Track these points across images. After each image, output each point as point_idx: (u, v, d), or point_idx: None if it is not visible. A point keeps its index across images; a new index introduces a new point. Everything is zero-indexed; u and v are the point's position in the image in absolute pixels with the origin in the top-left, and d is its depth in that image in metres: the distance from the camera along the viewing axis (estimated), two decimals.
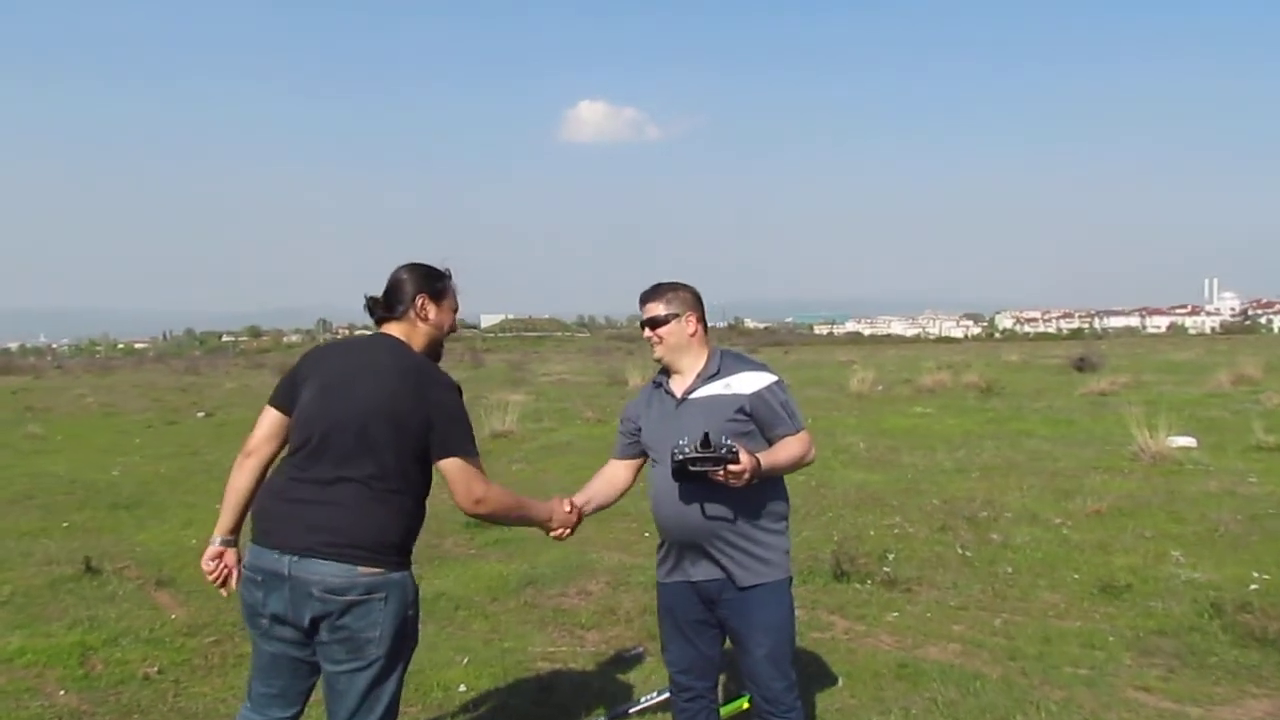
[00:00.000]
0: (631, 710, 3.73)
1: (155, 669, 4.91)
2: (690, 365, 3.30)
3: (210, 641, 5.38)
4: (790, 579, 3.29)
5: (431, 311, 3.02)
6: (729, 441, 2.94)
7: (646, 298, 3.34)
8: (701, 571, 3.24)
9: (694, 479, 2.98)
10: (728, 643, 3.38)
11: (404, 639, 2.83)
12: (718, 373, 3.26)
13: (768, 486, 3.17)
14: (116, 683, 4.75)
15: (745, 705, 3.85)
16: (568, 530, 3.33)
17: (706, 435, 2.88)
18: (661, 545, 3.37)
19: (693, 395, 3.25)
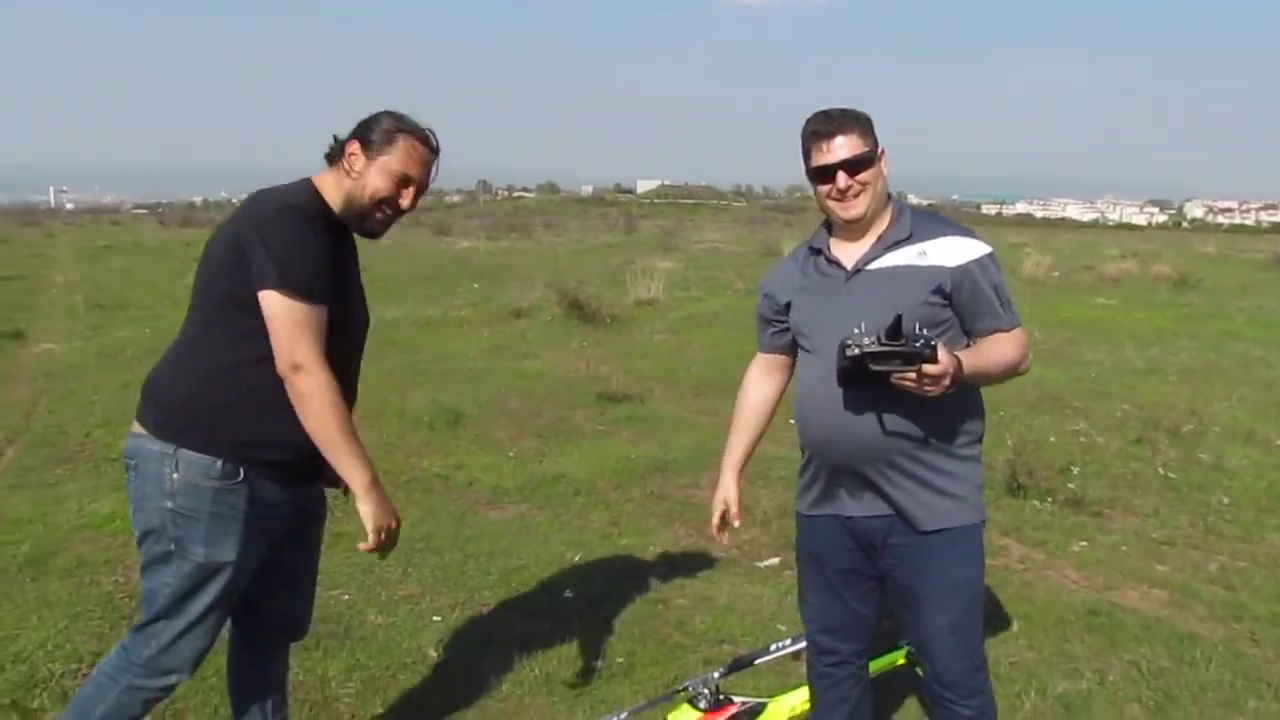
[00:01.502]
0: (759, 660, 3.05)
1: None
2: (873, 226, 2.41)
3: None
4: (983, 523, 2.46)
5: (359, 164, 2.29)
6: (925, 333, 2.11)
7: (833, 128, 2.33)
8: (864, 507, 2.42)
9: (868, 382, 2.15)
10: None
11: (161, 533, 2.23)
12: (909, 236, 2.36)
13: (962, 400, 2.31)
14: None
15: (900, 660, 3.13)
16: (379, 541, 2.34)
17: (899, 320, 2.06)
18: (807, 466, 2.55)
19: (871, 266, 2.36)
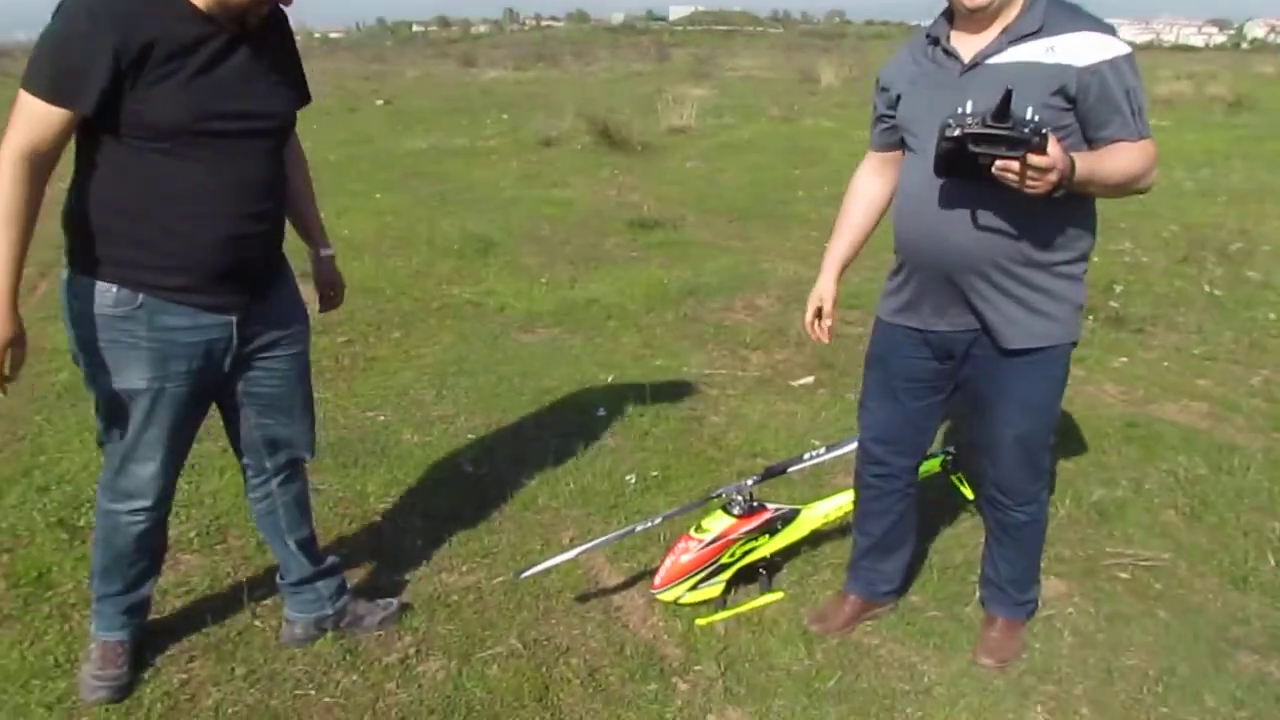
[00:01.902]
0: (791, 469, 3.06)
1: None
2: (999, 16, 2.18)
3: (342, 341, 5.00)
4: (1073, 345, 2.36)
5: None
6: (1037, 119, 1.94)
7: None
8: (948, 321, 2.35)
9: (970, 173, 2.01)
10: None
11: (77, 360, 2.21)
12: (1039, 30, 2.14)
13: (1070, 210, 2.16)
14: None
15: (936, 469, 3.13)
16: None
17: (1008, 97, 1.90)
18: (898, 272, 2.45)
19: (991, 60, 2.17)
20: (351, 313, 5.40)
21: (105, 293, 2.08)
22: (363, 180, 9.95)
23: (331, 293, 2.68)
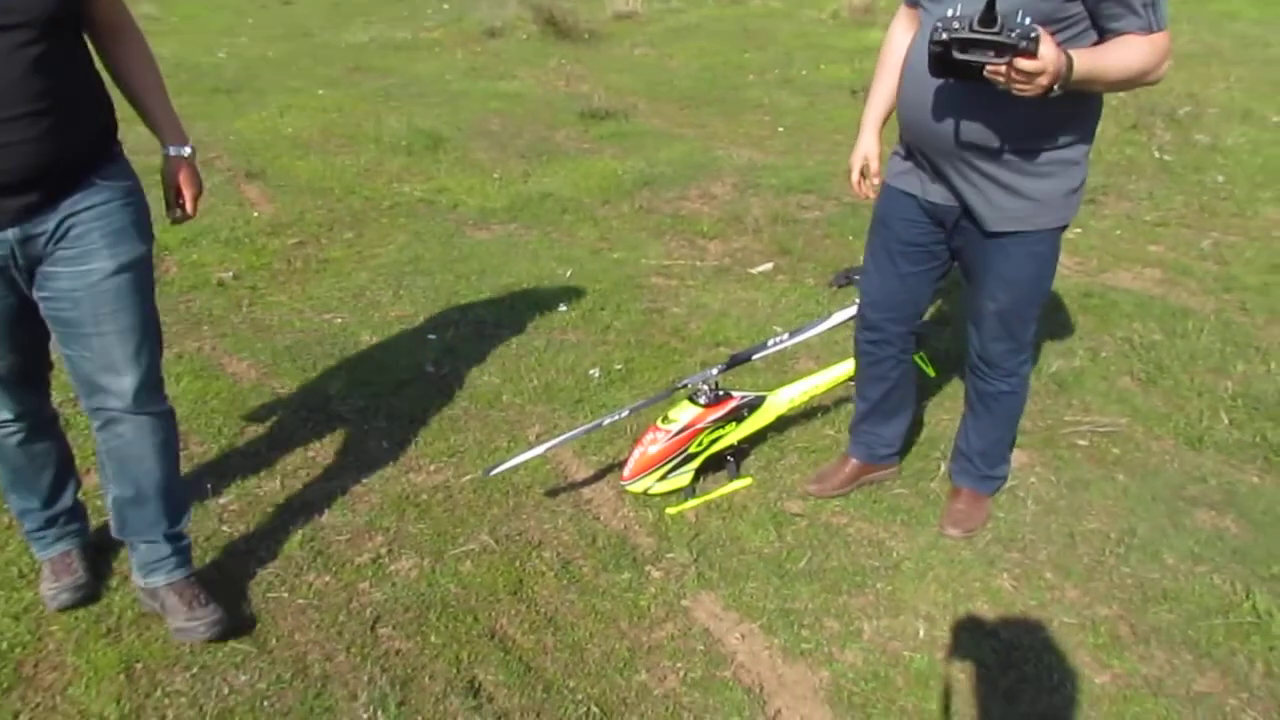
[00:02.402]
0: (755, 356, 3.05)
1: (231, 274, 4.45)
2: None
3: (294, 243, 4.88)
4: (1064, 228, 2.36)
5: None
6: (1027, 22, 1.89)
7: None
8: (938, 193, 2.36)
9: (962, 75, 1.99)
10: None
11: None
12: None
13: (1070, 103, 2.09)
14: (189, 288, 4.32)
15: (931, 372, 3.17)
16: None
17: (992, 4, 1.87)
18: (901, 137, 2.45)
19: None
20: (301, 213, 5.28)
21: None
22: (304, 77, 9.59)
23: (180, 199, 2.31)
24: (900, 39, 2.50)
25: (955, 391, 3.23)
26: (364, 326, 3.96)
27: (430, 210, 5.44)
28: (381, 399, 3.41)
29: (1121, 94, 7.44)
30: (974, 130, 2.18)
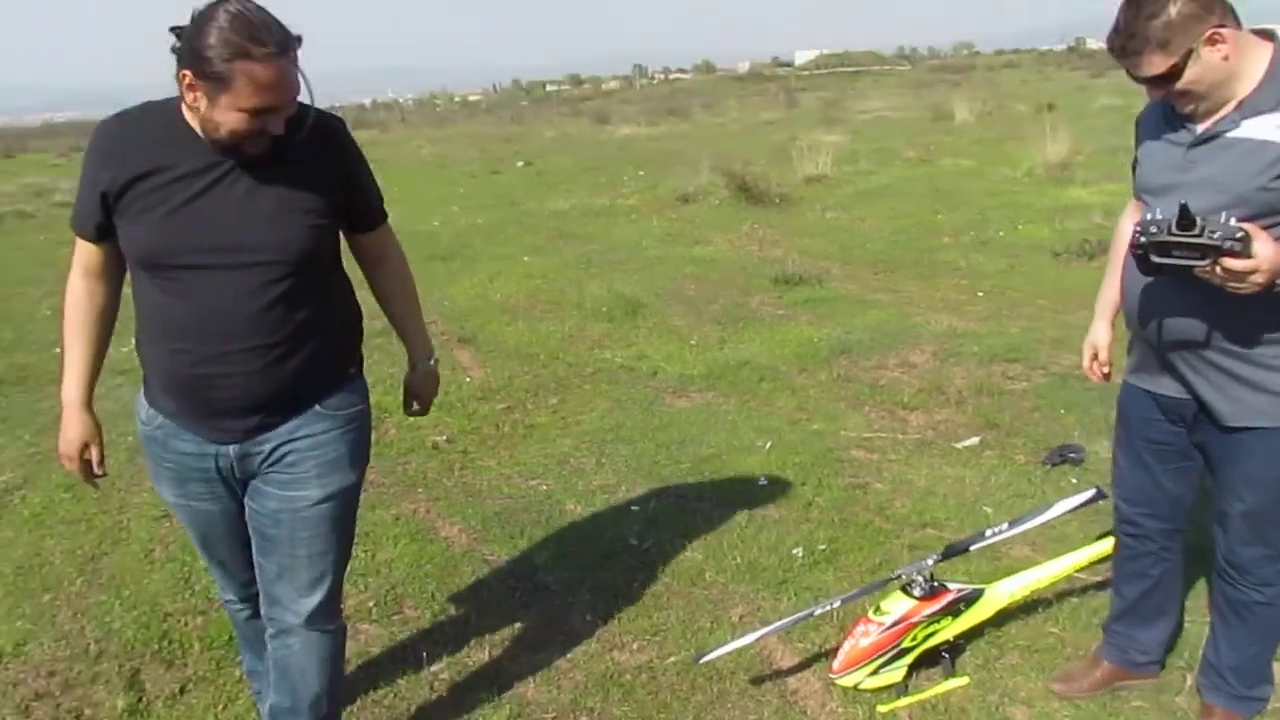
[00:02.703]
0: (974, 546, 2.92)
1: (445, 437, 4.69)
2: (1239, 85, 2.04)
3: (502, 408, 5.11)
4: None
5: (201, 103, 1.84)
6: (1231, 222, 1.85)
7: (1126, 51, 2.01)
8: (1171, 387, 2.29)
9: (1171, 274, 1.96)
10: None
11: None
12: (1277, 105, 1.99)
13: None
14: (406, 451, 4.57)
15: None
16: (73, 463, 2.19)
17: (1185, 208, 1.85)
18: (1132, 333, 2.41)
19: (1220, 136, 2.04)
20: (509, 378, 5.53)
21: (141, 409, 2.16)
22: (511, 243, 10.23)
23: (416, 405, 2.51)
24: (1127, 229, 2.45)
25: (1201, 590, 3.00)
26: (569, 495, 4.06)
27: (630, 376, 5.59)
28: (586, 571, 3.45)
29: None
30: (1196, 326, 2.11)
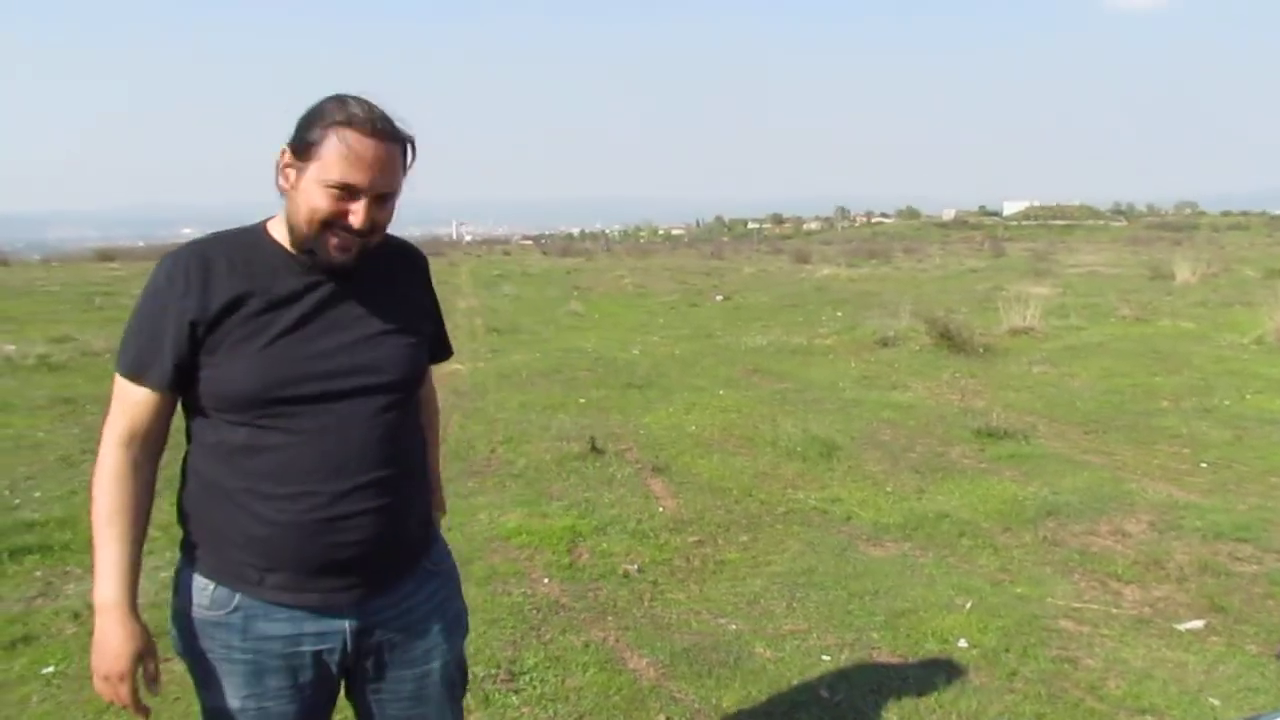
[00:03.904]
0: None
1: (636, 566, 4.72)
2: None
3: (693, 541, 5.11)
4: None
5: (292, 175, 1.71)
6: None
7: None
8: None
9: None
10: None
11: (182, 655, 1.84)
12: None
13: None
14: (597, 576, 4.62)
15: None
16: (124, 683, 1.71)
17: None
18: None
19: None
20: (701, 511, 5.55)
21: (202, 591, 1.77)
22: (706, 376, 10.37)
23: None
24: None
25: None
26: (758, 636, 3.99)
27: (823, 520, 5.50)
28: (775, 718, 3.36)
29: None
30: None
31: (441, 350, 2.08)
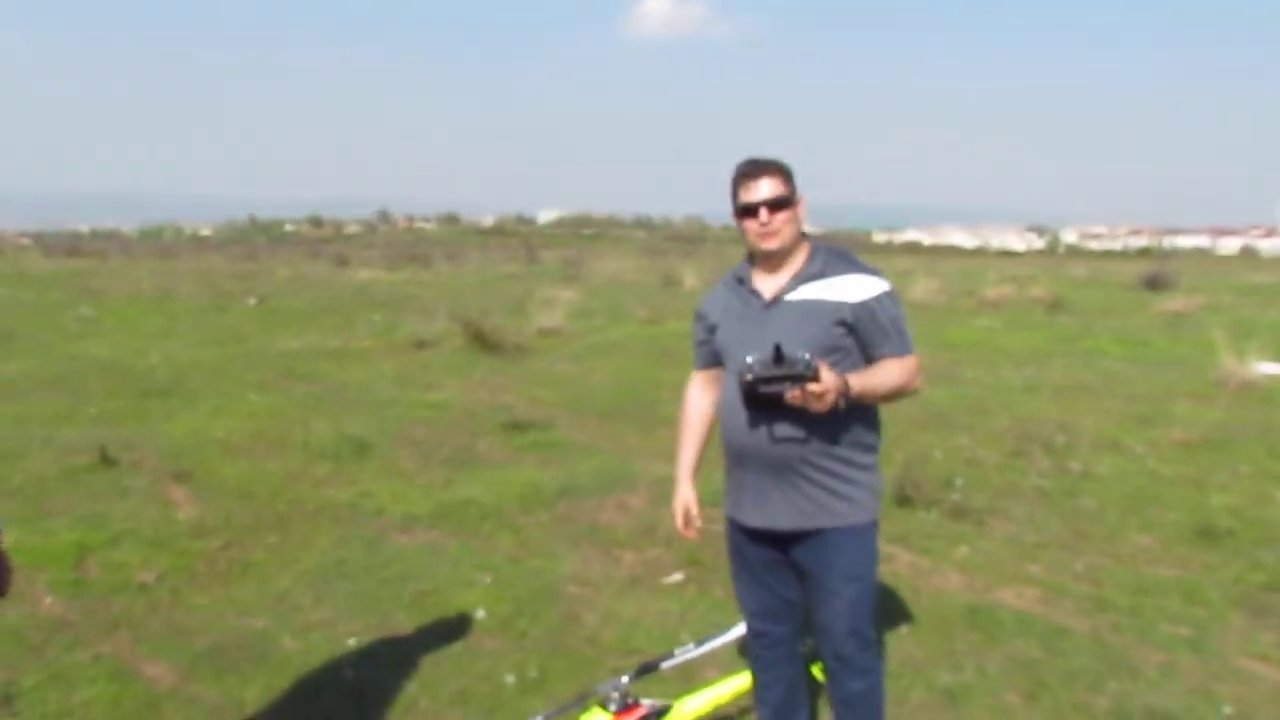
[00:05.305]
0: (664, 665, 3.23)
1: (154, 576, 4.53)
2: (788, 262, 2.74)
3: (218, 546, 4.99)
4: (875, 523, 2.76)
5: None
6: (806, 356, 2.41)
7: (756, 171, 2.69)
8: (768, 514, 2.74)
9: (768, 403, 2.48)
10: None
11: None
12: (820, 273, 2.69)
13: (856, 413, 2.64)
14: (110, 590, 4.37)
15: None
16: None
17: (778, 348, 2.38)
18: (730, 472, 2.86)
19: (787, 298, 2.70)
20: (227, 516, 5.42)
21: None
22: (235, 381, 9.96)
23: None
24: (697, 399, 3.06)
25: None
26: (284, 631, 4.04)
27: (355, 515, 5.62)
28: (298, 705, 3.46)
29: (1003, 421, 8.16)
30: (792, 447, 2.62)
31: None
